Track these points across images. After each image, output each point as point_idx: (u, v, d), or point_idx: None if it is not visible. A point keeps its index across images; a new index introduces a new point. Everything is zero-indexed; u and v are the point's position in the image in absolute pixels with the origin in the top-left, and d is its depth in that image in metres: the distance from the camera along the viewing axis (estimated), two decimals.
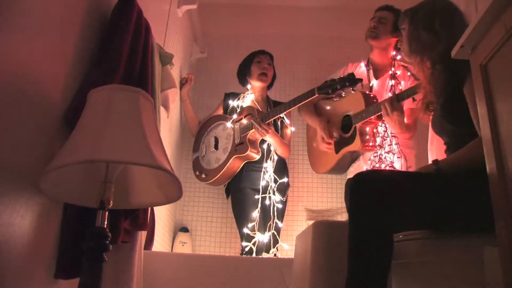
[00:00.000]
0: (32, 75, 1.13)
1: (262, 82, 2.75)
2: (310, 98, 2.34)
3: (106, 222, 1.11)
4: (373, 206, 1.16)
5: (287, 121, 2.73)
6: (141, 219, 1.56)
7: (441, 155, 1.44)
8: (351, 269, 1.13)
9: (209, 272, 2.02)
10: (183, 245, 2.95)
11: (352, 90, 2.23)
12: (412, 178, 1.28)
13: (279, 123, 2.67)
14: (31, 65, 1.12)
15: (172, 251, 2.92)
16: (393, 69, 2.34)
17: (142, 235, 1.72)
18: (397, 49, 2.36)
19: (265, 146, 2.62)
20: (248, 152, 2.53)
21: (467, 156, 1.26)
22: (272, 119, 2.52)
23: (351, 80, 2.18)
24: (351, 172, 2.38)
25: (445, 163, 1.30)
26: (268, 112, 2.54)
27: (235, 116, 2.69)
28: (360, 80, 2.22)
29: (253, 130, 2.52)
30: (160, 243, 2.61)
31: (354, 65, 2.48)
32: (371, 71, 2.39)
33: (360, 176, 1.23)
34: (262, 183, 2.55)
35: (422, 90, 1.54)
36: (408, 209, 1.20)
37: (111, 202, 1.12)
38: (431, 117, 1.52)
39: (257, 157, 2.59)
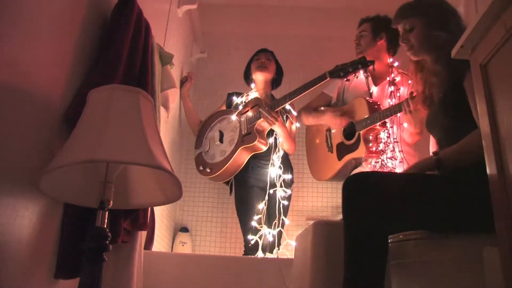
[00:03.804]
0: (32, 75, 1.13)
1: (261, 71, 2.71)
2: (321, 83, 2.30)
3: (106, 222, 1.11)
4: (365, 206, 1.15)
5: (294, 113, 2.67)
6: (141, 219, 1.56)
7: None
8: (346, 270, 1.13)
9: (209, 272, 2.02)
10: (183, 245, 2.95)
11: (364, 72, 2.22)
12: (407, 179, 1.28)
13: (284, 117, 2.62)
14: (31, 66, 1.12)
15: (172, 251, 2.92)
16: (392, 75, 2.35)
17: (142, 235, 1.72)
18: (390, 54, 2.37)
19: (270, 140, 2.56)
20: (256, 141, 2.45)
21: (465, 147, 1.26)
22: (281, 107, 2.46)
23: (363, 63, 2.17)
24: None
25: (445, 154, 1.30)
26: (277, 100, 2.48)
27: (240, 108, 2.65)
28: (373, 62, 2.21)
29: (261, 119, 2.46)
30: (160, 243, 2.61)
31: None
32: (370, 79, 2.39)
33: (354, 176, 1.23)
34: (269, 177, 2.51)
35: (422, 83, 1.54)
36: (402, 210, 1.19)
37: (111, 202, 1.12)
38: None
39: (264, 148, 2.52)
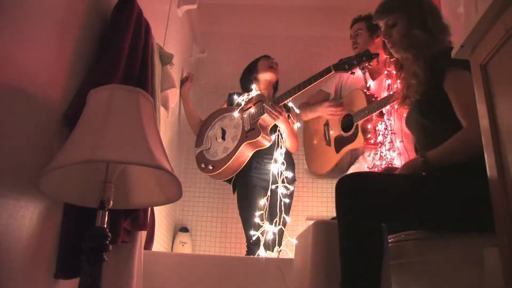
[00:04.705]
0: (32, 75, 1.13)
1: (272, 72, 2.73)
2: (326, 76, 2.30)
3: (106, 222, 1.11)
4: (362, 207, 1.15)
5: (296, 110, 2.65)
6: (141, 219, 1.56)
7: None
8: (343, 271, 1.13)
9: (209, 272, 2.02)
10: (183, 245, 2.95)
11: (369, 65, 2.24)
12: (404, 180, 1.27)
13: (286, 116, 2.61)
14: (31, 66, 1.12)
15: (172, 251, 2.92)
16: (388, 69, 2.35)
17: (142, 235, 1.72)
18: (387, 50, 2.38)
19: (273, 137, 2.54)
20: (260, 137, 2.43)
21: (454, 148, 1.27)
22: (285, 102, 2.45)
23: (368, 56, 2.18)
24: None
25: (432, 156, 1.29)
26: (281, 95, 2.46)
27: (242, 104, 2.63)
28: (377, 54, 2.22)
29: (265, 115, 2.44)
30: (160, 243, 2.61)
31: None
32: (367, 73, 2.40)
33: (349, 177, 1.23)
34: (271, 173, 2.49)
35: (402, 83, 1.55)
36: (399, 210, 1.19)
37: (111, 202, 1.12)
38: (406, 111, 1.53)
39: (267, 144, 2.50)
